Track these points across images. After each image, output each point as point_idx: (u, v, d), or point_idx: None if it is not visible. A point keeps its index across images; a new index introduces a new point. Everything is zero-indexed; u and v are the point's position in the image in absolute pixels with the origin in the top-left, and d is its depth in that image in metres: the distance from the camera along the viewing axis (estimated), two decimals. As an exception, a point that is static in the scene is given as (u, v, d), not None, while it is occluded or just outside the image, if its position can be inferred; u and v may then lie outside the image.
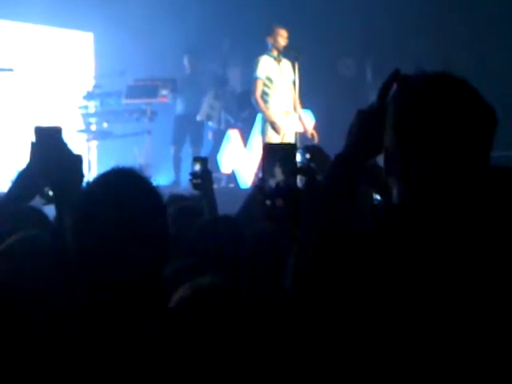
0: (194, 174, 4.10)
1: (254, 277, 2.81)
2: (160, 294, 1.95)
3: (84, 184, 2.61)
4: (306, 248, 1.87)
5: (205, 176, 4.07)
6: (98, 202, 1.90)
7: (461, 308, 1.71)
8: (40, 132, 2.68)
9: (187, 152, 10.66)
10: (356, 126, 2.02)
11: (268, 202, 2.39)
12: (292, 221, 2.23)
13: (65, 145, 2.69)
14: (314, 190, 2.24)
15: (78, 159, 2.70)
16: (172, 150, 10.85)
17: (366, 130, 1.96)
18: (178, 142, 10.83)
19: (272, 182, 2.43)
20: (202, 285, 2.19)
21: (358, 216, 1.98)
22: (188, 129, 10.84)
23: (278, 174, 2.45)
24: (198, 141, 10.96)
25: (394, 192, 1.83)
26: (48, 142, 2.65)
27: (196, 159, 4.17)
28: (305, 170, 2.53)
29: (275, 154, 2.50)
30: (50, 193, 2.68)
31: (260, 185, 2.50)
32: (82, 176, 2.69)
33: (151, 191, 1.97)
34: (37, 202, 2.89)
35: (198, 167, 4.10)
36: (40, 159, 2.63)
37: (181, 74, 11.04)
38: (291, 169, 2.46)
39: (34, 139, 2.67)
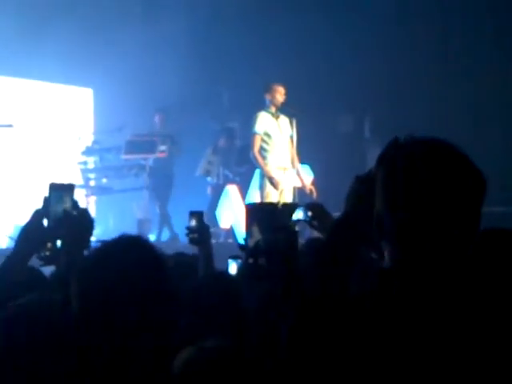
0: (190, 229, 4.06)
1: (251, 338, 2.77)
2: (164, 363, 1.95)
3: (91, 248, 2.64)
4: (299, 313, 1.87)
5: (201, 230, 4.04)
6: (104, 272, 1.93)
7: (452, 375, 1.69)
8: (54, 187, 2.69)
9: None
10: (354, 192, 2.04)
11: (250, 261, 2.41)
12: (277, 279, 2.25)
13: (76, 202, 2.71)
14: (294, 249, 2.28)
15: (88, 217, 2.73)
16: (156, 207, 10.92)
17: (363, 195, 1.97)
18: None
19: (251, 242, 2.46)
20: (206, 348, 2.18)
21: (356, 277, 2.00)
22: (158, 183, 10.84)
23: (256, 234, 2.48)
24: (164, 196, 10.91)
25: (386, 255, 1.82)
26: (61, 197, 2.67)
27: (192, 213, 4.12)
28: (285, 228, 2.55)
29: (255, 214, 2.55)
30: (47, 253, 2.69)
31: (243, 244, 2.52)
32: (91, 233, 2.71)
33: (157, 262, 1.99)
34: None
35: (194, 221, 4.07)
36: (52, 214, 2.64)
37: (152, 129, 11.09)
38: (272, 228, 2.49)
39: (46, 194, 2.68)
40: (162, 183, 10.73)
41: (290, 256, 2.27)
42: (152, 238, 10.50)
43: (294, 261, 2.29)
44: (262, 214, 2.51)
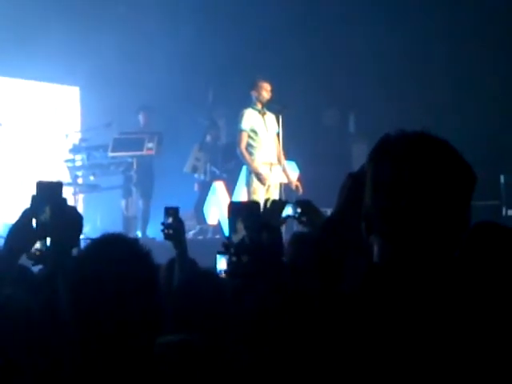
0: (165, 225, 4.06)
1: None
2: (149, 360, 2.00)
3: (79, 246, 2.68)
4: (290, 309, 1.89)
5: (177, 226, 4.04)
6: (91, 271, 1.97)
7: (442, 370, 1.70)
8: (41, 186, 2.68)
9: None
10: (346, 189, 2.03)
11: (234, 259, 2.43)
12: (257, 277, 2.27)
13: (64, 200, 2.71)
14: (279, 247, 2.29)
15: (77, 215, 2.74)
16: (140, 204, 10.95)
17: (356, 192, 1.94)
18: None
19: (235, 238, 2.48)
20: (172, 341, 2.23)
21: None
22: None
23: (240, 230, 2.50)
24: (147, 193, 10.94)
25: (375, 251, 1.82)
26: (49, 196, 2.66)
27: (167, 209, 4.11)
28: (269, 227, 2.57)
29: (239, 212, 2.57)
30: (37, 253, 2.69)
31: (225, 242, 2.54)
32: (80, 231, 2.73)
33: (142, 259, 2.03)
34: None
35: (169, 218, 4.06)
36: (40, 213, 2.63)
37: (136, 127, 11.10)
38: (255, 226, 2.51)
39: (34, 192, 2.67)
40: (144, 180, 10.75)
41: (274, 254, 2.32)
42: (139, 234, 10.54)
43: (278, 259, 2.34)
44: (245, 212, 2.55)
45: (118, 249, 2.02)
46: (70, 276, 2.01)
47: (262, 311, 2.37)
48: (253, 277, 2.36)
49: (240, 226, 2.49)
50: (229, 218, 2.58)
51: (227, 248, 2.46)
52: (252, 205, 2.75)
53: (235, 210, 2.59)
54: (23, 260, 2.81)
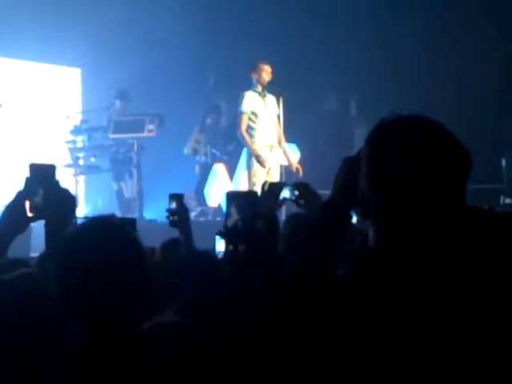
0: (170, 211, 4.05)
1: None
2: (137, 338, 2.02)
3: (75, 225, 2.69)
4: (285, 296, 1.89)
5: (181, 213, 4.03)
6: (78, 254, 1.99)
7: (440, 352, 1.71)
8: (35, 168, 2.69)
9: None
10: (343, 173, 2.03)
11: (230, 247, 2.44)
12: (252, 266, 2.29)
13: (57, 182, 2.71)
14: (274, 235, 2.29)
15: (70, 197, 2.76)
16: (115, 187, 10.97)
17: (353, 176, 1.93)
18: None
19: (230, 222, 2.48)
20: (161, 322, 2.25)
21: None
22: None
23: (234, 215, 2.50)
24: (139, 174, 10.83)
25: (370, 235, 1.83)
26: (42, 178, 2.66)
27: (172, 196, 4.09)
28: (265, 216, 2.58)
29: (235, 199, 2.57)
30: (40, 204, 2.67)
31: (222, 231, 2.54)
32: (74, 212, 2.75)
33: (130, 242, 2.05)
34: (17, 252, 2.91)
35: (174, 204, 4.04)
36: (34, 195, 2.63)
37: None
38: (251, 215, 2.51)
39: (28, 175, 2.68)
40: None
41: (269, 243, 2.33)
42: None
43: (273, 248, 2.35)
44: (241, 200, 2.56)
45: (105, 230, 2.04)
46: (58, 256, 2.03)
47: (255, 301, 2.38)
48: (248, 265, 2.36)
49: (234, 210, 2.49)
50: (226, 205, 2.59)
51: (223, 235, 2.47)
52: (249, 194, 2.76)
53: (232, 197, 2.59)
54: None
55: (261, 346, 1.93)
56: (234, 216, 2.49)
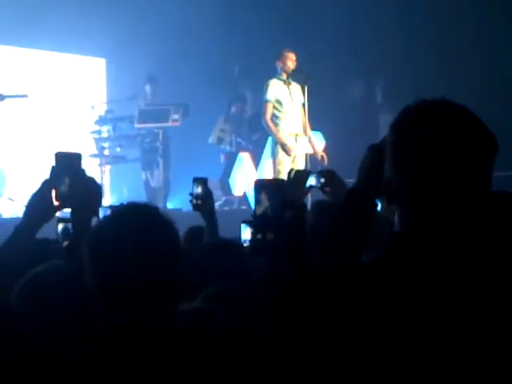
0: (194, 195, 3.98)
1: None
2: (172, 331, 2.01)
3: (100, 214, 2.69)
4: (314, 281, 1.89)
5: (205, 197, 3.96)
6: (113, 239, 1.97)
7: (464, 338, 1.70)
8: (60, 157, 2.69)
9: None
10: (368, 161, 2.02)
11: (259, 236, 2.43)
12: (282, 254, 2.27)
13: (83, 170, 2.72)
14: (302, 225, 2.28)
15: (96, 185, 2.76)
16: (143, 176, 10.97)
17: (377, 164, 1.93)
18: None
19: (258, 210, 2.47)
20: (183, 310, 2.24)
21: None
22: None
23: (264, 201, 2.49)
24: (167, 164, 10.85)
25: (396, 221, 1.82)
26: (68, 166, 2.66)
27: (196, 180, 4.02)
28: (294, 204, 2.57)
29: (264, 187, 2.56)
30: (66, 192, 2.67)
31: (250, 220, 2.53)
32: (100, 201, 2.76)
33: (166, 229, 2.03)
34: (47, 233, 2.91)
35: (198, 188, 3.97)
36: (60, 183, 2.63)
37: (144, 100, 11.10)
38: (280, 203, 2.50)
39: (53, 163, 2.68)
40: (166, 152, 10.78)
41: (298, 232, 2.32)
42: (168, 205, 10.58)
43: (302, 237, 2.34)
44: (271, 189, 2.54)
45: (141, 217, 2.02)
46: (90, 244, 2.01)
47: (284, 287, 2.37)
48: (276, 255, 2.35)
49: (264, 197, 2.48)
50: (254, 192, 2.57)
51: (251, 224, 2.46)
52: (277, 182, 2.75)
53: (260, 185, 2.58)
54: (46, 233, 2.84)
55: (287, 332, 1.93)
56: (264, 204, 2.48)
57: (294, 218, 2.34)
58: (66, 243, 3.20)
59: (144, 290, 1.95)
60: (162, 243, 1.99)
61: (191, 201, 4.01)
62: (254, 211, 2.53)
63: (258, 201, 2.54)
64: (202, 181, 4.02)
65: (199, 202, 3.98)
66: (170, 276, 1.99)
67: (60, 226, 3.34)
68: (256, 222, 2.46)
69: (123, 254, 1.94)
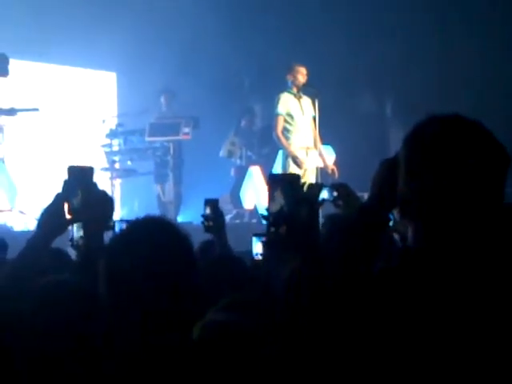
0: (205, 217, 4.06)
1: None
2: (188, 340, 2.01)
3: (115, 227, 2.70)
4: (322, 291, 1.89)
5: (216, 218, 4.04)
6: (130, 252, 1.96)
7: (476, 350, 1.71)
8: (73, 171, 2.71)
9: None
10: (380, 176, 2.03)
11: (272, 229, 2.42)
12: (294, 250, 2.27)
13: (95, 184, 2.74)
14: (315, 221, 2.28)
15: (108, 199, 2.78)
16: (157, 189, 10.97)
17: (390, 179, 1.95)
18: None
19: (273, 207, 2.47)
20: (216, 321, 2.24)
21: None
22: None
23: (279, 199, 2.48)
24: (179, 178, 10.87)
25: (410, 234, 1.84)
26: (80, 180, 2.69)
27: (207, 201, 4.10)
28: (307, 201, 2.56)
29: (279, 183, 2.55)
30: (80, 241, 2.72)
31: (264, 214, 2.53)
32: (112, 215, 2.77)
33: (182, 242, 2.02)
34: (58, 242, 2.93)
35: (208, 209, 4.06)
36: (72, 197, 2.65)
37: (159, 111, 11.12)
38: (294, 198, 2.49)
39: (66, 177, 2.70)
40: (177, 165, 10.80)
41: (311, 228, 2.31)
42: (179, 219, 10.58)
43: (315, 234, 2.34)
44: (285, 184, 2.53)
45: (156, 230, 2.02)
46: (106, 258, 2.01)
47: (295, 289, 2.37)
48: (289, 249, 2.35)
49: (278, 194, 2.47)
50: (268, 188, 2.56)
51: (265, 217, 2.45)
52: (292, 177, 2.73)
53: (275, 180, 2.57)
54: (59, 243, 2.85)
55: (299, 340, 1.93)
56: (279, 200, 2.46)
57: (309, 213, 2.33)
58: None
59: (160, 303, 1.94)
60: (178, 257, 1.99)
61: (203, 222, 4.08)
62: (268, 207, 2.51)
63: (272, 198, 2.52)
64: (212, 202, 4.10)
65: (210, 223, 4.06)
66: (186, 289, 1.99)
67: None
68: (269, 217, 2.45)
69: (139, 267, 1.94)
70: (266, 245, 2.51)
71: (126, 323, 1.96)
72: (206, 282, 3.06)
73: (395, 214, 2.26)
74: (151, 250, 1.97)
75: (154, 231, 2.02)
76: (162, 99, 11.18)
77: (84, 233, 2.72)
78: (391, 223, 3.18)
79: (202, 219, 4.09)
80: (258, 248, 3.68)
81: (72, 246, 2.76)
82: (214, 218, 4.04)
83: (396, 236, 3.33)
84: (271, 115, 9.24)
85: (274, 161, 10.57)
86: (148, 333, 1.94)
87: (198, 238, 4.18)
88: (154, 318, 1.94)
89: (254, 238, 3.72)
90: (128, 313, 1.95)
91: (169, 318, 1.95)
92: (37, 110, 10.03)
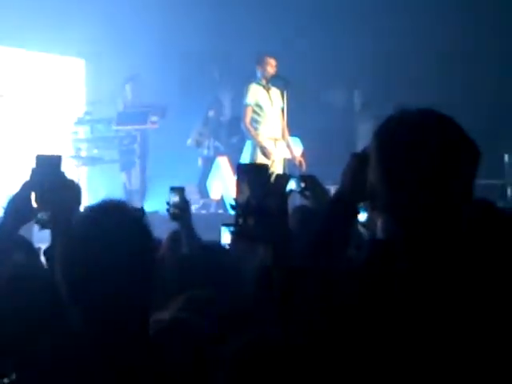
0: (171, 204, 4.01)
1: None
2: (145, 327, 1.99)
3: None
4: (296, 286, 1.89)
5: (183, 206, 4.00)
6: (86, 236, 1.96)
7: (451, 350, 1.71)
8: (41, 159, 2.70)
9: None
10: (350, 169, 2.04)
11: (241, 220, 2.41)
12: (262, 241, 2.28)
13: (63, 173, 2.73)
14: (285, 212, 2.29)
15: (75, 187, 2.77)
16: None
17: (360, 172, 1.96)
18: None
19: (241, 198, 2.46)
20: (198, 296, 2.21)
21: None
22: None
23: (245, 190, 2.47)
24: (144, 167, 10.86)
25: (379, 226, 1.85)
26: (48, 169, 2.68)
27: (173, 189, 4.06)
28: (277, 192, 2.55)
29: (247, 173, 2.54)
30: (45, 217, 2.72)
31: (232, 204, 2.53)
32: (79, 203, 2.75)
33: (139, 227, 2.01)
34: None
35: (175, 197, 4.01)
36: (40, 186, 2.65)
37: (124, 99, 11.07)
38: (263, 189, 2.49)
39: (33, 165, 2.69)
40: (143, 154, 10.77)
41: (280, 220, 2.31)
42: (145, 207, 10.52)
43: (284, 225, 2.33)
44: (252, 175, 2.52)
45: (112, 214, 2.01)
46: (59, 246, 2.00)
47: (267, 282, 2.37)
48: (258, 240, 2.34)
49: (245, 186, 2.45)
50: (236, 178, 2.55)
51: (234, 208, 2.44)
52: (260, 167, 2.71)
53: (243, 170, 2.55)
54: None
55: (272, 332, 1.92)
56: (245, 192, 2.45)
57: (277, 206, 2.33)
58: None
59: (115, 288, 1.92)
60: (131, 239, 1.97)
61: (168, 209, 4.03)
62: (235, 199, 2.50)
63: (239, 188, 2.50)
64: (179, 190, 4.06)
65: (176, 211, 4.01)
66: (142, 272, 1.96)
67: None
68: (237, 207, 2.43)
69: (91, 253, 1.93)
70: (234, 235, 2.50)
71: (81, 309, 1.94)
72: (181, 273, 3.06)
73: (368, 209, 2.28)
74: (105, 234, 1.95)
75: (109, 214, 2.01)
76: (127, 88, 11.09)
77: (51, 222, 2.69)
78: (365, 218, 3.20)
79: (167, 207, 4.03)
80: (226, 239, 3.64)
81: (37, 222, 2.72)
82: (180, 206, 4.00)
83: (362, 229, 3.35)
84: (240, 106, 9.23)
85: (241, 151, 10.56)
86: (105, 320, 1.93)
87: (164, 227, 4.16)
88: (110, 303, 1.92)
89: (223, 228, 3.67)
90: (83, 299, 1.93)
91: (125, 303, 1.94)
92: (1, 95, 9.93)
